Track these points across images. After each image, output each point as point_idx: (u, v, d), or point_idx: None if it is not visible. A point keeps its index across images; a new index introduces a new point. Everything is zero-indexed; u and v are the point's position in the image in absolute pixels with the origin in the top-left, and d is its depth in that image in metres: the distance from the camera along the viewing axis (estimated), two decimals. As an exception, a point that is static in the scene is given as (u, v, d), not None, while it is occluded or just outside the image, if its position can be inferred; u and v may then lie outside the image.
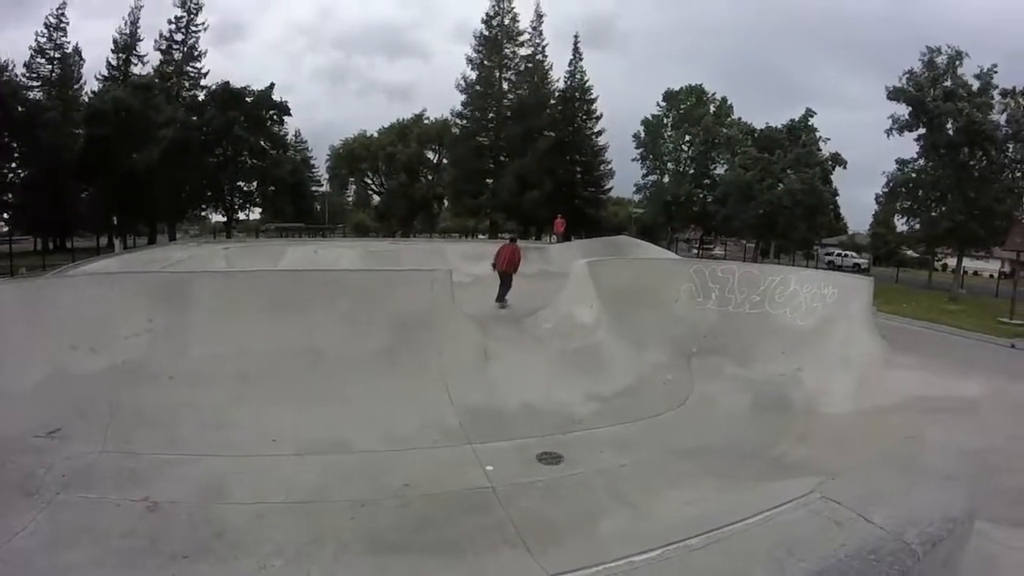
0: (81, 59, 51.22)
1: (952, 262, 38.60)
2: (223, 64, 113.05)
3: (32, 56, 48.81)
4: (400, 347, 8.79)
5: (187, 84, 52.57)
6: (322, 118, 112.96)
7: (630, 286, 13.00)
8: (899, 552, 1.64)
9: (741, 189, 44.24)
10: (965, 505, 1.97)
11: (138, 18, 51.35)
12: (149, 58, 51.83)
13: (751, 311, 13.12)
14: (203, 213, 57.56)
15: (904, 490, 2.04)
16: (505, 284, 15.22)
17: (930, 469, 4.57)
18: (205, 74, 52.94)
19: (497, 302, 14.81)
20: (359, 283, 9.84)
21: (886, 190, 38.09)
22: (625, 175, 60.92)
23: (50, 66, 49.54)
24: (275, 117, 54.14)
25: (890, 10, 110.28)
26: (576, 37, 57.02)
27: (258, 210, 60.41)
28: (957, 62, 33.79)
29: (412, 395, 8.09)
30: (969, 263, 47.99)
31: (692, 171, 56.72)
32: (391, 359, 8.62)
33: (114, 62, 50.91)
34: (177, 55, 52.14)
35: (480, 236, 51.48)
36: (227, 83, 50.80)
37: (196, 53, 52.61)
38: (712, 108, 58.17)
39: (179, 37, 51.98)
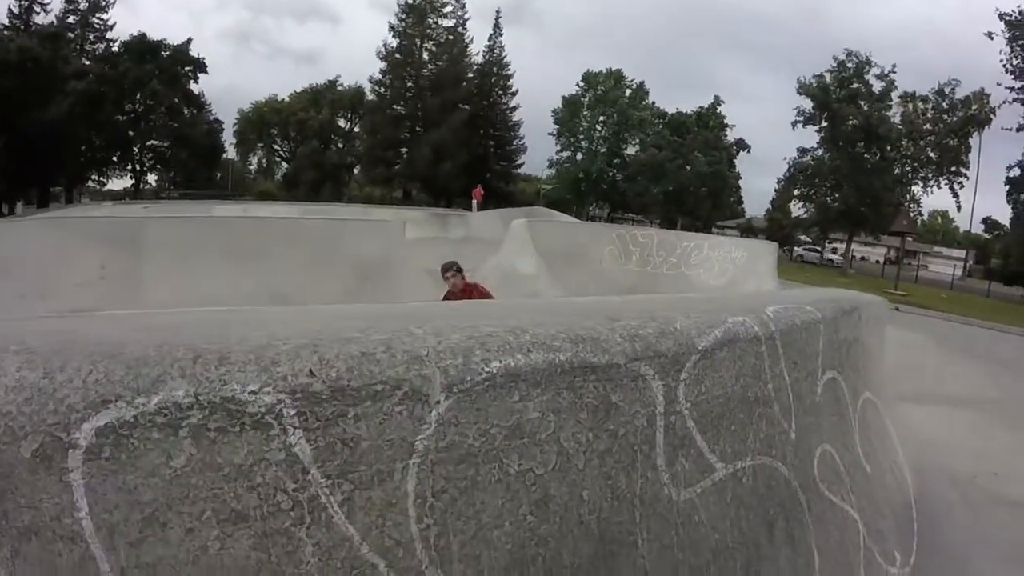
0: (-24, 5, 45.65)
1: (843, 247, 43.01)
2: (123, 16, 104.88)
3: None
4: (362, 290, 9.30)
5: (91, 37, 48.69)
6: (223, 81, 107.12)
7: (563, 245, 14.01)
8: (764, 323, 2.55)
9: (653, 168, 46.56)
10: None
11: (43, -39, 46.49)
12: (52, 6, 47.34)
13: (668, 272, 14.48)
14: (105, 178, 53.70)
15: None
16: None
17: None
18: (112, 26, 49.20)
19: None
20: (319, 231, 10.22)
21: (788, 175, 41.58)
22: (535, 152, 62.13)
23: (-56, 9, 43.79)
24: (191, 74, 51.46)
25: (803, 13, 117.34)
26: (498, 12, 57.41)
27: (154, 178, 57.36)
28: (865, 68, 37.26)
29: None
30: (858, 248, 53.01)
31: (604, 150, 58.59)
32: (353, 301, 9.11)
33: (16, 10, 46.08)
34: (83, 4, 47.99)
35: (393, 207, 51.08)
36: (143, 34, 47.85)
37: (103, 3, 48.67)
38: (628, 92, 60.11)
39: (86, -15, 47.74)
